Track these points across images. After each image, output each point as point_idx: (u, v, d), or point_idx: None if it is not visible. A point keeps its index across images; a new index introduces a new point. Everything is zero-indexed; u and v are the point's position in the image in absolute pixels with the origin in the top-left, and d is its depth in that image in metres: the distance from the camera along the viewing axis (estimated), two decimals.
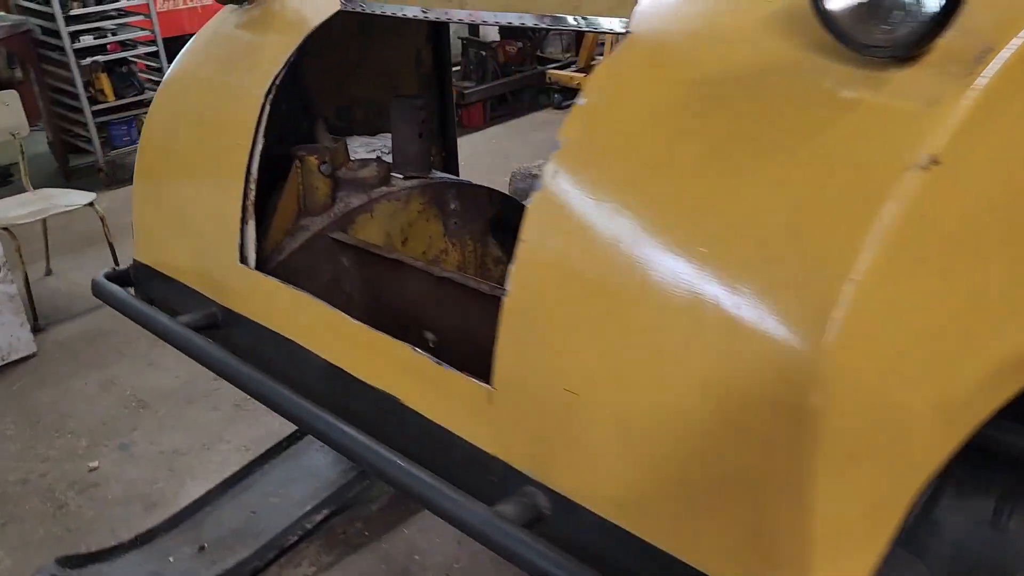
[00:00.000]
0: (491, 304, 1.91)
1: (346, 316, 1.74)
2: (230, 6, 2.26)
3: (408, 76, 2.97)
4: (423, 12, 1.82)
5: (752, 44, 1.30)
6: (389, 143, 2.76)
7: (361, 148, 2.66)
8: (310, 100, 2.54)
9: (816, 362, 1.03)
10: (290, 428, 3.45)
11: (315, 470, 3.04)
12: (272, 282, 1.92)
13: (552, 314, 1.33)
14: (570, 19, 1.59)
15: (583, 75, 7.56)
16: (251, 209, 1.97)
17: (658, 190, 1.24)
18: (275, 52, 1.98)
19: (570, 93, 7.74)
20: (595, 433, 1.28)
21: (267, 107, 1.94)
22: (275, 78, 1.94)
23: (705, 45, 1.35)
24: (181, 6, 8.15)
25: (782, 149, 1.16)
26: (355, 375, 1.71)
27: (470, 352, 1.92)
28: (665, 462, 1.20)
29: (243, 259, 1.98)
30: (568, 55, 8.17)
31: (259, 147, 1.95)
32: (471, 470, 1.48)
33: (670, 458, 1.19)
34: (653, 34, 1.42)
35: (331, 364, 1.77)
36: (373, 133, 2.88)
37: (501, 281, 2.67)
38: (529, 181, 4.20)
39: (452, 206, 2.55)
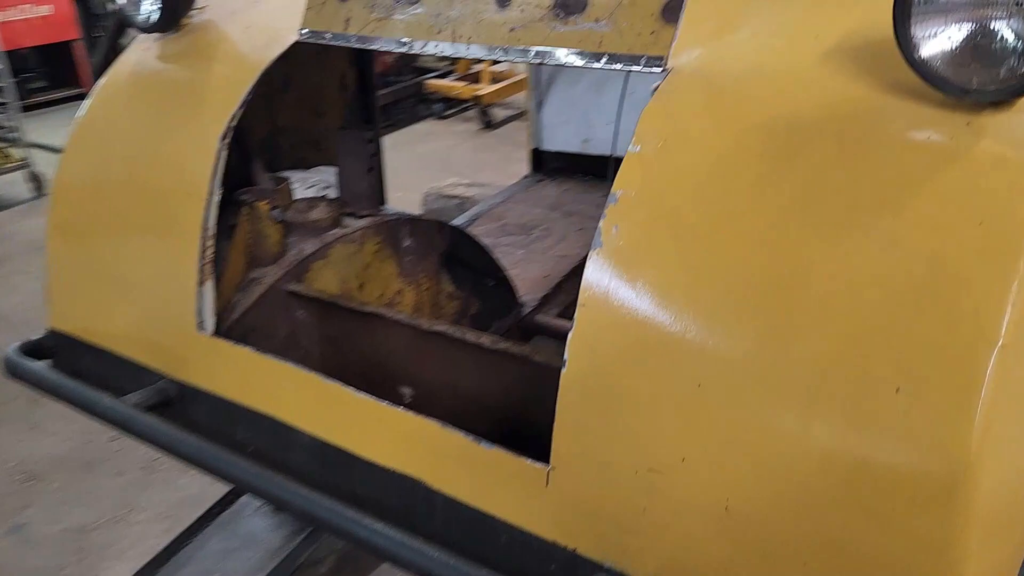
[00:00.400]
0: (490, 359, 1.77)
1: (349, 389, 1.55)
2: (153, 35, 1.98)
3: (333, 101, 2.76)
4: (403, 44, 1.65)
5: (819, 86, 1.22)
6: (326, 177, 2.55)
7: (298, 184, 2.43)
8: (240, 133, 2.29)
9: (970, 439, 0.96)
10: (214, 488, 3.15)
11: (255, 537, 2.76)
12: (243, 351, 1.69)
13: (625, 387, 1.20)
14: (563, 55, 1.45)
15: (464, 84, 7.44)
16: (209, 268, 1.73)
17: (746, 246, 1.14)
18: (227, 90, 1.74)
19: (452, 103, 7.61)
20: (686, 515, 1.16)
21: (223, 152, 1.71)
22: (231, 119, 1.71)
23: (764, 86, 1.26)
24: (17, 17, 7.41)
25: (887, 203, 1.09)
26: (362, 456, 1.52)
27: (457, 407, 1.77)
28: (774, 545, 1.10)
29: (200, 325, 1.74)
30: (445, 63, 8.02)
31: (216, 198, 1.71)
32: (523, 559, 1.33)
33: (780, 541, 1.10)
34: (699, 73, 1.32)
35: (327, 443, 1.57)
36: (300, 164, 2.65)
37: (455, 317, 2.55)
38: (443, 201, 4.03)
39: (406, 243, 2.37)
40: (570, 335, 1.25)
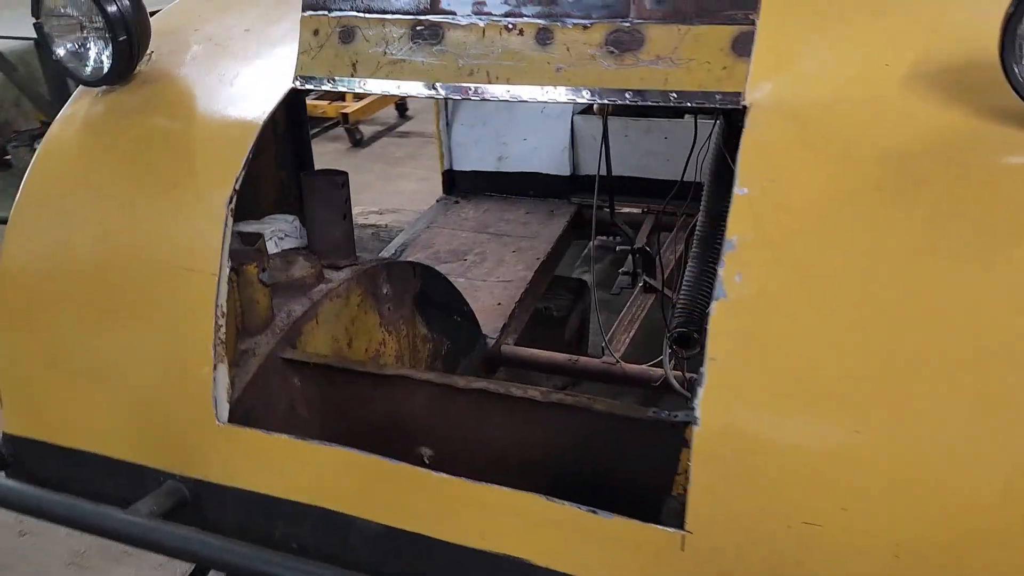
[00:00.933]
0: (544, 413, 1.68)
1: (420, 469, 1.42)
2: (100, 88, 1.74)
3: (266, 141, 2.55)
4: (429, 88, 1.52)
5: (913, 114, 1.23)
6: (280, 226, 2.35)
7: None
8: None
9: None
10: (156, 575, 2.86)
11: None
12: (278, 439, 1.51)
13: (771, 440, 1.16)
14: (623, 95, 1.41)
15: (328, 102, 7.16)
16: (223, 350, 1.53)
17: (885, 282, 1.13)
18: (225, 149, 1.55)
19: (316, 122, 7.31)
20: (849, 566, 1.14)
21: (230, 220, 1.52)
22: (236, 182, 1.52)
23: (855, 117, 1.26)
24: None
25: (1021, 229, 1.10)
26: (444, 539, 1.40)
27: (488, 465, 1.67)
28: None
29: (216, 414, 1.54)
30: None
31: (226, 272, 1.52)
32: None
33: None
34: (782, 107, 1.30)
35: (396, 530, 1.43)
36: (243, 213, 2.42)
37: (430, 359, 2.43)
38: (358, 232, 3.84)
39: (384, 290, 2.23)
40: (700, 391, 1.19)
